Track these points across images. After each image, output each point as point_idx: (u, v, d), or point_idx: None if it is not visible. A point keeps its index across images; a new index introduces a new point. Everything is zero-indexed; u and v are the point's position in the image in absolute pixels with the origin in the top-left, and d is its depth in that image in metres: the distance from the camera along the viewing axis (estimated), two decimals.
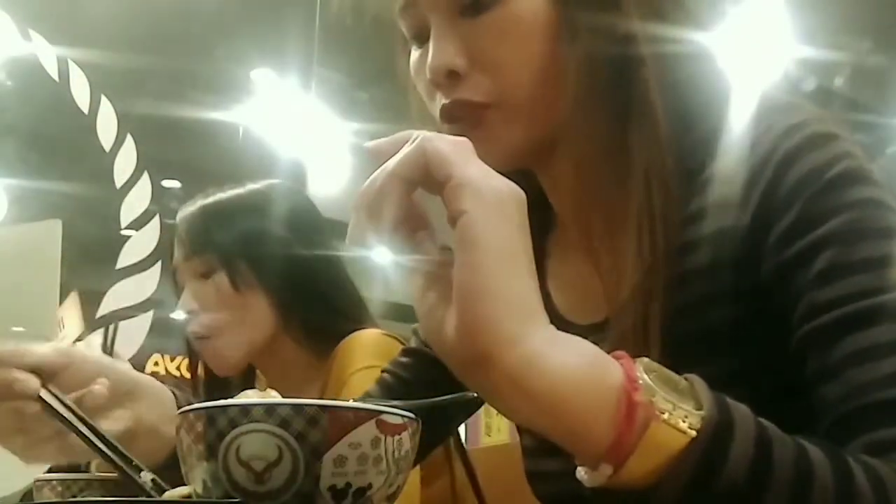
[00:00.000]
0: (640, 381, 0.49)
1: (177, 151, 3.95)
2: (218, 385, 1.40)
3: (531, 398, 0.48)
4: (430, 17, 0.72)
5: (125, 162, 2.39)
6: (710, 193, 0.69)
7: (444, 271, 0.51)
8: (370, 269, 1.44)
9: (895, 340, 0.57)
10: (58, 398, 0.78)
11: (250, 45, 4.09)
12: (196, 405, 0.53)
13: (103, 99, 2.41)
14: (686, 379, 0.52)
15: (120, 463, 0.73)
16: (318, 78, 4.26)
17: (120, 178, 2.37)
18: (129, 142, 2.41)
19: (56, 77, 2.40)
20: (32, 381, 0.78)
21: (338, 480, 0.51)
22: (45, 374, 0.80)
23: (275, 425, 0.50)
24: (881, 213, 0.62)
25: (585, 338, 0.51)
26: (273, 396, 0.57)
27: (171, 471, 0.69)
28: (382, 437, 0.52)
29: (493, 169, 0.50)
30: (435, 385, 0.59)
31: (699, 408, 0.49)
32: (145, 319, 2.43)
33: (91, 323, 2.35)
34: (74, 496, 1.12)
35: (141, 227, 2.42)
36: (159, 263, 2.40)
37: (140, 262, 2.41)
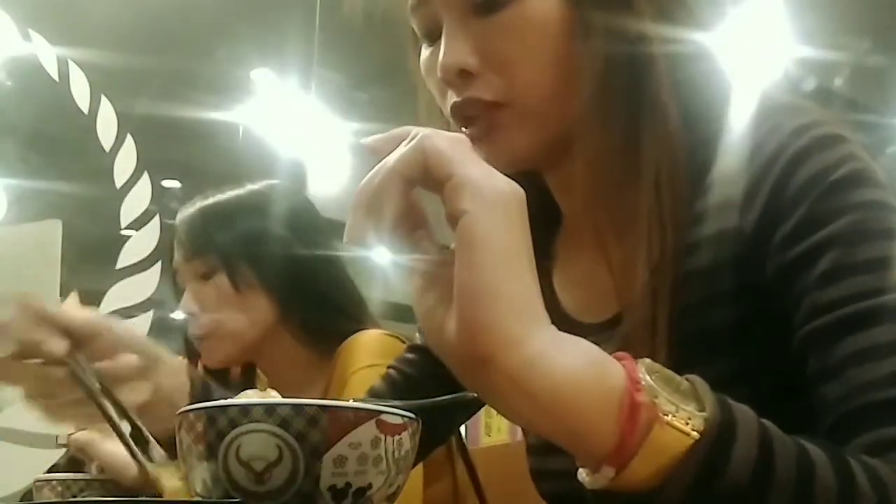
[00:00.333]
0: (643, 383, 0.49)
1: (177, 151, 3.95)
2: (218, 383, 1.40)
3: (532, 399, 0.48)
4: (443, 16, 0.72)
5: (125, 162, 2.39)
6: (714, 194, 0.69)
7: (443, 271, 0.50)
8: (370, 269, 1.44)
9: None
10: (83, 366, 0.78)
11: (250, 45, 4.08)
12: (196, 405, 0.53)
13: (103, 99, 2.41)
14: (688, 380, 0.52)
15: (132, 446, 0.73)
16: (318, 78, 4.26)
17: (120, 178, 2.37)
18: (129, 142, 2.41)
19: (56, 77, 2.40)
20: (61, 345, 0.78)
21: (338, 480, 0.51)
22: (76, 339, 0.79)
23: (275, 425, 0.50)
24: (885, 214, 0.62)
25: (593, 337, 0.51)
26: (273, 396, 0.57)
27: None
28: (382, 437, 0.52)
29: (506, 169, 0.50)
30: (441, 382, 0.59)
31: (701, 409, 0.49)
32: (145, 319, 2.43)
33: None
34: (74, 496, 1.12)
35: (141, 227, 2.42)
36: (159, 264, 2.40)
37: (140, 262, 2.41)
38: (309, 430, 0.50)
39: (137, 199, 2.34)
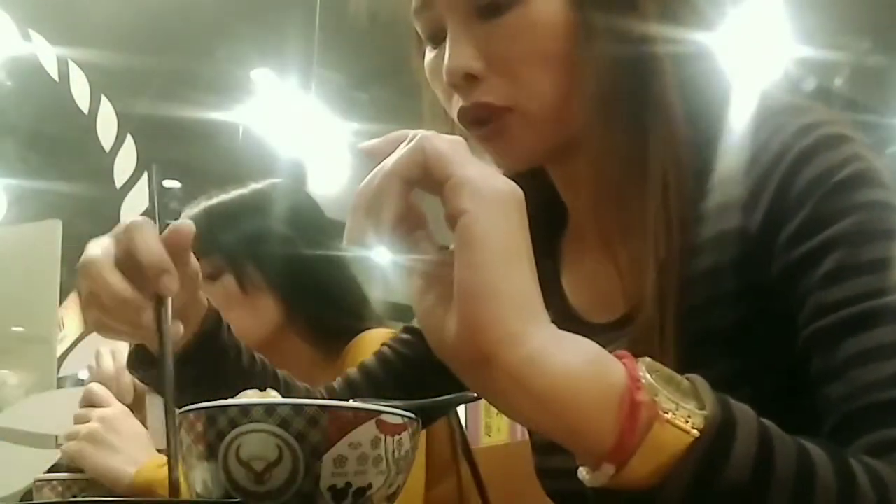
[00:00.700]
0: (643, 381, 0.49)
1: (177, 151, 3.95)
2: None
3: (533, 397, 0.48)
4: (447, 19, 0.72)
5: (125, 162, 2.38)
6: (718, 194, 0.69)
7: (442, 271, 0.51)
8: (370, 269, 1.44)
9: None
10: (168, 313, 0.71)
11: (250, 45, 4.09)
12: (196, 405, 0.53)
13: (103, 99, 2.41)
14: (688, 379, 0.52)
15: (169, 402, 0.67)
16: (318, 78, 4.26)
17: (120, 178, 2.36)
18: (129, 142, 2.41)
19: (56, 77, 2.40)
20: (176, 284, 0.71)
21: (338, 480, 0.51)
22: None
23: (275, 425, 0.50)
24: (889, 214, 0.62)
25: (602, 337, 0.51)
26: (273, 396, 0.57)
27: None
28: (382, 437, 0.52)
29: (514, 168, 0.50)
30: (433, 365, 0.59)
31: (702, 407, 0.49)
32: None
33: None
34: (75, 496, 1.12)
35: None
36: None
37: None
38: (309, 430, 0.50)
39: (137, 199, 2.34)
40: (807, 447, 0.51)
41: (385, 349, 0.97)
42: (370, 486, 0.52)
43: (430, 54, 0.75)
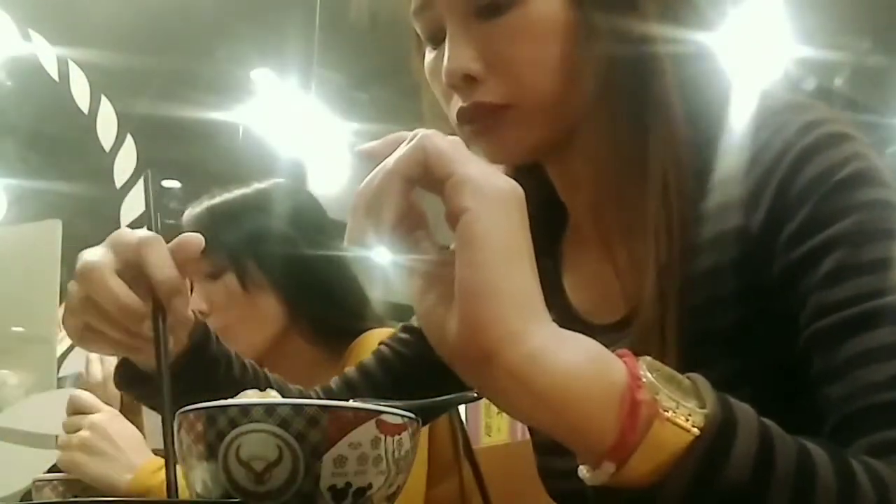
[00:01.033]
0: (644, 379, 0.49)
1: (177, 151, 3.95)
2: None
3: (534, 395, 0.48)
4: (446, 19, 0.72)
5: (125, 162, 2.38)
6: (718, 193, 0.69)
7: (443, 271, 0.51)
8: (370, 269, 1.44)
9: None
10: (165, 328, 0.71)
11: (250, 45, 4.09)
12: (196, 405, 0.52)
13: (103, 99, 2.41)
14: (689, 378, 0.52)
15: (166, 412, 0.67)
16: (318, 78, 4.26)
17: (120, 178, 2.36)
18: (129, 142, 2.41)
19: (56, 77, 2.40)
20: (187, 307, 0.74)
21: (338, 480, 0.51)
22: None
23: (275, 425, 0.50)
24: (889, 214, 0.62)
25: (603, 338, 0.51)
26: (273, 396, 0.57)
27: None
28: (382, 437, 0.52)
29: (507, 163, 0.50)
30: (431, 364, 0.59)
31: (702, 406, 0.49)
32: None
33: None
34: (75, 496, 1.12)
35: (141, 227, 2.41)
36: None
37: None
38: (309, 430, 0.50)
39: (137, 199, 2.34)
40: (807, 447, 0.51)
41: (383, 348, 0.97)
42: (370, 486, 0.52)
43: (429, 55, 0.75)
